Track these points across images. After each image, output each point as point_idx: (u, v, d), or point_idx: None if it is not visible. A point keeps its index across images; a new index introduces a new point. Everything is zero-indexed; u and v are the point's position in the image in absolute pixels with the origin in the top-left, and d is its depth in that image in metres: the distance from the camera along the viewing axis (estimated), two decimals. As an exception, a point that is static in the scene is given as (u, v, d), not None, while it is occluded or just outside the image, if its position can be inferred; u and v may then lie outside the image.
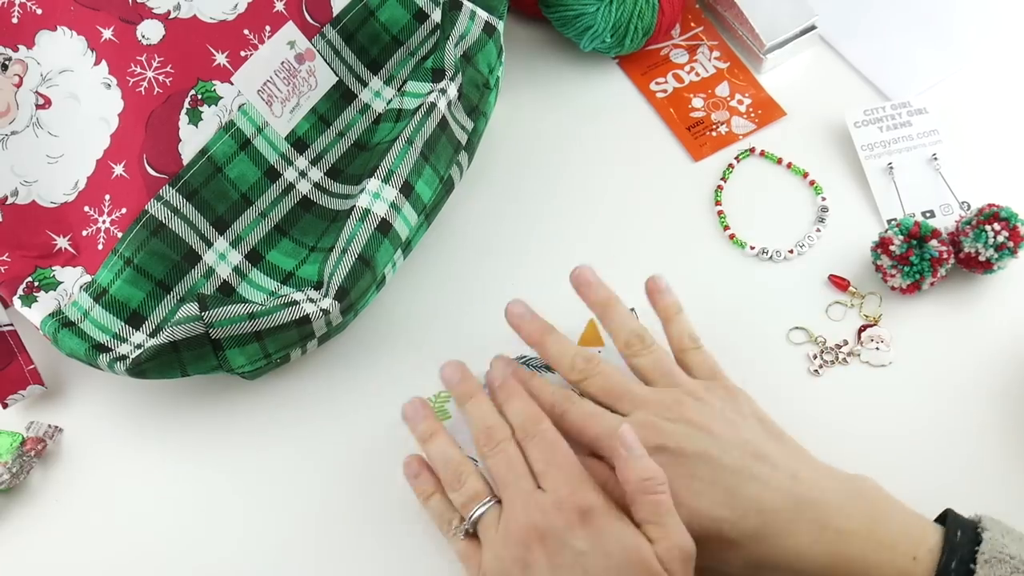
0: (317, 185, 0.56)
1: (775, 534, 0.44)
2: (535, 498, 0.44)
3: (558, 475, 0.44)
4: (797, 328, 0.56)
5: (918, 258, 0.54)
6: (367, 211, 0.52)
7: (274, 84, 0.55)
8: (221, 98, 0.54)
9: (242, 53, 0.54)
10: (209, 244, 0.53)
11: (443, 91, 0.55)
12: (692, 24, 0.68)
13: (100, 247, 0.53)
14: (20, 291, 0.53)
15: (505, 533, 0.44)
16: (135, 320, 0.51)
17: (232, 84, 0.54)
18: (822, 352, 0.55)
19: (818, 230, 0.59)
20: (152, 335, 0.51)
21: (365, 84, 0.58)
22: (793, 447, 0.47)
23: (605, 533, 0.42)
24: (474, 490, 0.46)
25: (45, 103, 0.55)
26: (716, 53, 0.67)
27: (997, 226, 0.54)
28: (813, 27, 0.65)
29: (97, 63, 0.54)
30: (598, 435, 0.46)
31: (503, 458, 0.46)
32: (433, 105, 0.54)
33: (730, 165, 0.62)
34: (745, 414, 0.47)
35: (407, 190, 0.53)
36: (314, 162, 0.56)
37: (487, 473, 0.47)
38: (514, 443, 0.47)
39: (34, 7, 0.55)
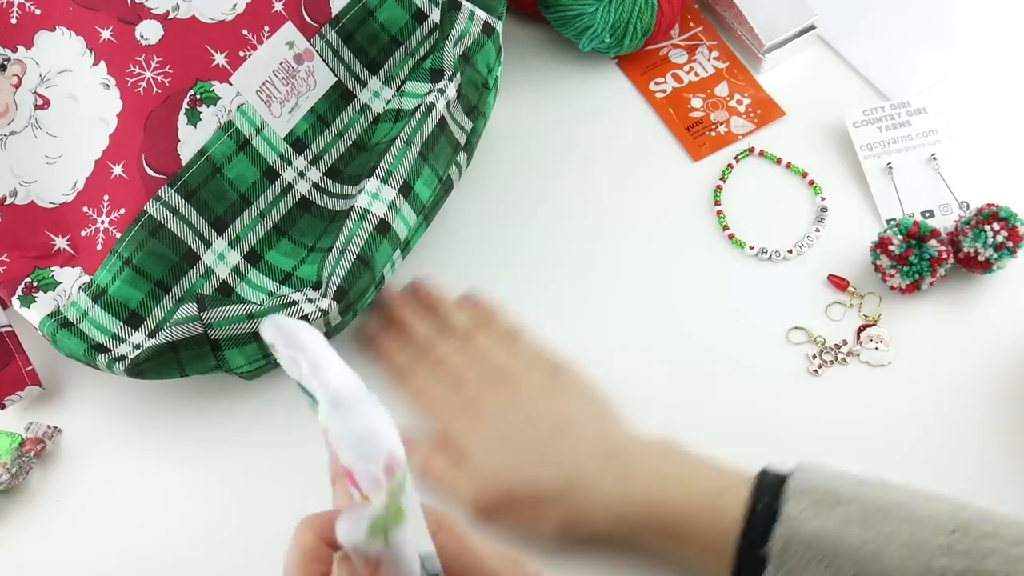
0: (316, 185, 0.56)
1: (584, 487, 0.46)
2: None
3: None
4: (796, 328, 0.56)
5: (917, 258, 0.54)
6: (366, 211, 0.52)
7: (273, 84, 0.55)
8: (220, 98, 0.54)
9: (241, 53, 0.54)
10: (208, 244, 0.53)
11: (442, 91, 0.55)
12: (691, 24, 0.68)
13: (99, 247, 0.53)
14: (19, 291, 0.53)
15: None
16: (134, 320, 0.51)
17: (231, 84, 0.54)
18: (821, 352, 0.55)
19: (817, 230, 0.59)
20: (151, 335, 0.51)
21: (364, 84, 0.58)
22: (592, 402, 0.50)
23: None
24: None
25: (44, 103, 0.55)
26: (715, 53, 0.67)
27: (996, 226, 0.54)
28: (812, 27, 0.65)
29: (96, 63, 0.54)
30: None
31: None
32: (432, 105, 0.54)
33: (729, 165, 0.62)
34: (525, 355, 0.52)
35: (406, 190, 0.53)
36: (313, 162, 0.56)
37: None
38: None
39: (33, 7, 0.55)
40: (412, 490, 0.32)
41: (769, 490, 0.42)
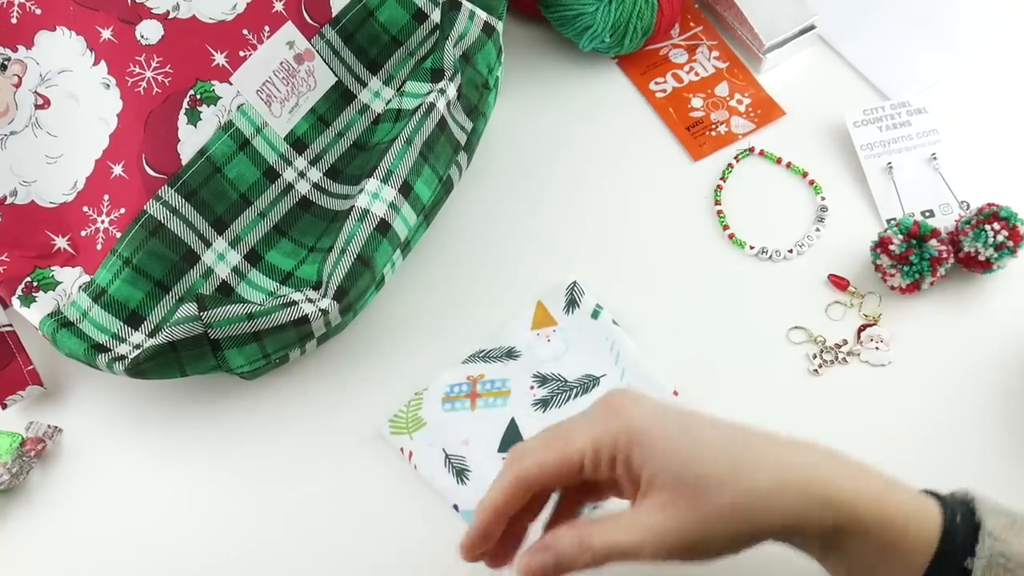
0: (316, 185, 0.56)
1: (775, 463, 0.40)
2: None
3: None
4: (797, 328, 0.56)
5: (917, 258, 0.54)
6: (366, 211, 0.52)
7: (273, 84, 0.55)
8: (220, 98, 0.54)
9: (241, 53, 0.54)
10: (208, 244, 0.53)
11: (442, 91, 0.55)
12: (691, 24, 0.68)
13: (99, 247, 0.53)
14: (19, 291, 0.53)
15: None
16: (134, 320, 0.52)
17: (231, 84, 0.54)
18: (822, 352, 0.55)
19: (817, 230, 0.59)
20: (151, 335, 0.51)
21: (364, 84, 0.58)
22: None
23: None
24: None
25: (44, 103, 0.55)
26: (715, 53, 0.67)
27: (996, 225, 0.54)
28: (812, 27, 0.65)
29: (96, 63, 0.54)
30: None
31: None
32: (432, 105, 0.54)
33: (729, 165, 0.62)
34: None
35: (406, 190, 0.53)
36: (313, 162, 0.56)
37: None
38: None
39: (33, 7, 0.55)
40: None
41: (958, 506, 0.39)
